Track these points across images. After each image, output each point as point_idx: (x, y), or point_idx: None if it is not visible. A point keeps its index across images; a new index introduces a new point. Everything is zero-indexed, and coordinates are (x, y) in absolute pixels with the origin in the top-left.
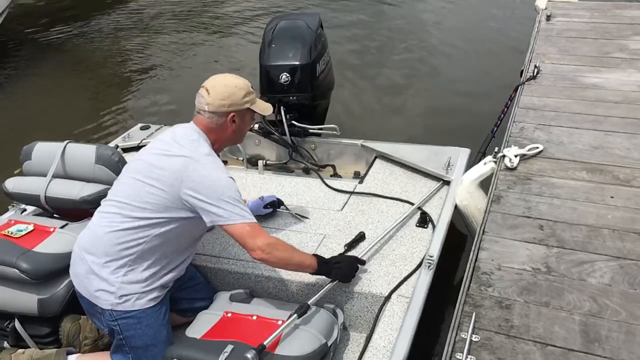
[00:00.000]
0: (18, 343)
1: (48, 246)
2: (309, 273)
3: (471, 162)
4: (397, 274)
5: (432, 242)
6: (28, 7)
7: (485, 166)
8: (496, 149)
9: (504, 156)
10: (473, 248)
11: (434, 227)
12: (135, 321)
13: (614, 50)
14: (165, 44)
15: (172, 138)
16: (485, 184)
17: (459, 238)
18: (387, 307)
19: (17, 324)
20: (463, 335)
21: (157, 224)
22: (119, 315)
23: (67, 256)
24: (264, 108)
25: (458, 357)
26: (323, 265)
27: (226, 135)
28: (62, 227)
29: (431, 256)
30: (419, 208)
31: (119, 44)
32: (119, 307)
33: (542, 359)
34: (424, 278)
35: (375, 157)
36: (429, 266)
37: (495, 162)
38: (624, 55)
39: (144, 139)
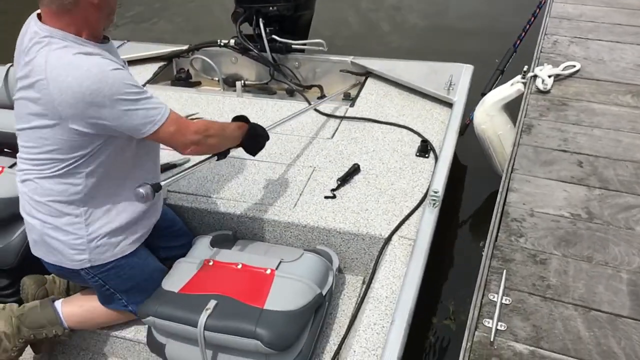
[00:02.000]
0: None
1: None
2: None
3: (491, 82)
4: (398, 211)
5: (435, 174)
6: None
7: (512, 87)
8: (525, 68)
9: (535, 76)
10: (500, 189)
11: (436, 156)
12: (117, 270)
13: None
14: None
15: (23, 59)
16: (508, 107)
17: (463, 169)
18: (388, 251)
19: None
20: (492, 297)
21: (81, 164)
22: (97, 270)
23: (19, 200)
24: None
25: (486, 324)
26: (247, 141)
27: (89, 16)
28: (11, 167)
29: (436, 191)
30: (419, 134)
31: None
32: (96, 263)
33: (585, 327)
34: (429, 217)
35: (368, 76)
36: (433, 203)
37: (524, 83)
38: None
39: None
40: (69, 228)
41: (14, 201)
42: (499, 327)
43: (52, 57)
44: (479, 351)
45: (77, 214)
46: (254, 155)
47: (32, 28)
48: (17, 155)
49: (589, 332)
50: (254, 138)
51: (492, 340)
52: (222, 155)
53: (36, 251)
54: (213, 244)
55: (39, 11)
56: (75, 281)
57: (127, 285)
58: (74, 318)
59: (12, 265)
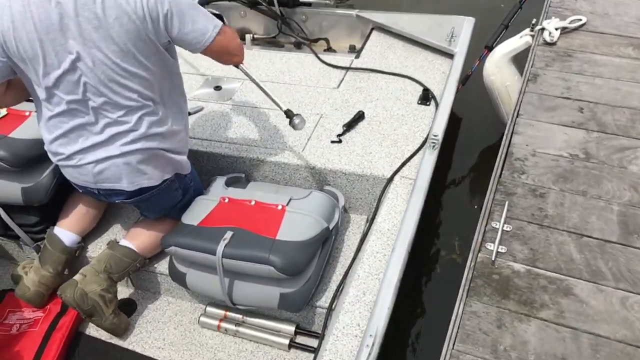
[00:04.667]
0: (6, 232)
1: (25, 131)
2: None
3: (495, 36)
4: (400, 154)
5: (435, 120)
6: None
7: (521, 40)
8: (534, 21)
9: (543, 29)
10: (506, 132)
11: (437, 104)
12: (192, 173)
13: None
14: None
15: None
16: (516, 59)
17: (463, 118)
18: (390, 189)
19: (2, 212)
20: (494, 225)
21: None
22: (183, 177)
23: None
24: None
25: (488, 247)
26: None
27: None
28: None
29: (435, 135)
30: (421, 84)
31: None
32: (189, 163)
33: (577, 251)
34: (429, 158)
35: (372, 29)
36: (433, 146)
37: (532, 35)
38: None
39: None
40: (174, 133)
41: (41, 142)
42: (499, 250)
43: None
44: (481, 269)
45: (164, 117)
46: None
47: None
48: (108, 132)
49: (580, 254)
50: None
51: (493, 260)
52: None
53: (140, 183)
54: (227, 184)
55: None
56: (148, 205)
57: (195, 179)
58: (147, 249)
59: (43, 202)
